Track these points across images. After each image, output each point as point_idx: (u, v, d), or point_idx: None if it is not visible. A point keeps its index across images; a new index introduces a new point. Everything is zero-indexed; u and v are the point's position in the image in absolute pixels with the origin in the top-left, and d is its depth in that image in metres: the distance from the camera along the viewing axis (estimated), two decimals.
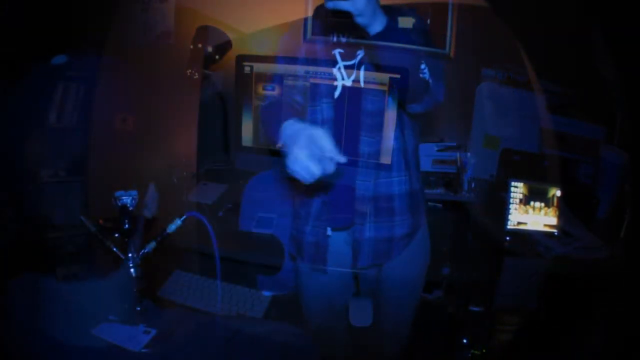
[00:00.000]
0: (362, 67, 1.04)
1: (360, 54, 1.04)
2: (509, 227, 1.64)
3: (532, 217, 1.64)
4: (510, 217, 1.64)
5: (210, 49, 2.11)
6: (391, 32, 0.90)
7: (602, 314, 1.26)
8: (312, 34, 1.12)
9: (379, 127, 1.05)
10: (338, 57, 1.05)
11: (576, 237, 1.61)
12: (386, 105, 1.04)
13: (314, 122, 1.07)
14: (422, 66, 0.96)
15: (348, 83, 1.05)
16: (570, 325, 1.34)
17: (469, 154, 1.96)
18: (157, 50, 1.93)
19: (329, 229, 1.11)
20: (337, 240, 1.13)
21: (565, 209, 1.65)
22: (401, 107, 1.05)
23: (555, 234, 1.62)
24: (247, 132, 2.43)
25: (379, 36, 0.89)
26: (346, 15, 0.86)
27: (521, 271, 1.56)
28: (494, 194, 1.84)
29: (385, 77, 1.01)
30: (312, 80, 1.08)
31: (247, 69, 2.35)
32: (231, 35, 2.14)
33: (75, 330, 0.86)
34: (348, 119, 1.05)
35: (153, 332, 0.86)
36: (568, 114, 1.84)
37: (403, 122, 1.08)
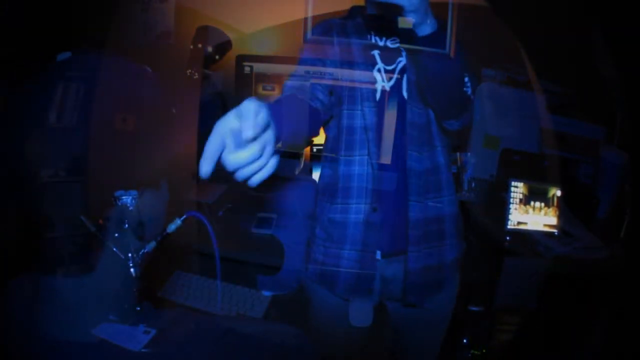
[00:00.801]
0: (405, 75, 0.94)
1: (402, 60, 0.95)
2: (509, 227, 1.64)
3: (532, 217, 1.64)
4: (510, 216, 1.64)
5: (210, 49, 2.11)
6: (439, 37, 0.81)
7: (602, 314, 1.26)
8: (341, 35, 0.98)
9: (426, 141, 0.95)
10: (378, 59, 0.95)
11: (576, 237, 1.61)
12: (430, 118, 0.96)
13: (351, 127, 0.95)
14: (466, 79, 0.88)
15: (387, 88, 0.94)
16: (570, 325, 1.35)
17: (469, 153, 1.96)
18: (157, 50, 1.93)
19: (378, 252, 0.96)
20: (385, 269, 0.98)
21: (565, 209, 1.65)
22: (440, 122, 0.96)
23: (556, 233, 1.62)
24: None
25: (427, 39, 0.80)
26: (397, 12, 0.76)
27: (521, 271, 1.56)
28: (494, 194, 1.84)
29: (428, 87, 0.91)
30: (343, 83, 0.95)
31: (247, 69, 2.36)
32: (231, 35, 2.14)
33: (75, 330, 0.86)
34: (392, 128, 0.94)
35: (153, 332, 0.86)
36: (568, 114, 1.84)
37: (443, 138, 0.98)
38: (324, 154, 1.04)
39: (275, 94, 2.08)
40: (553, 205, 1.65)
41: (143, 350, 0.82)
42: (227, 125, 0.58)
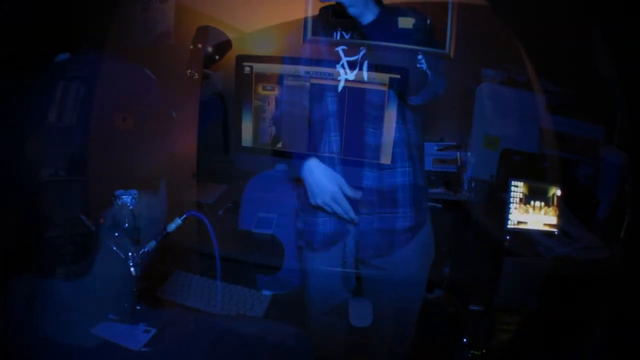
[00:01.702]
0: (365, 63, 1.07)
1: (363, 50, 1.07)
2: (509, 226, 1.64)
3: (532, 216, 1.64)
4: (510, 216, 1.64)
5: (210, 49, 2.11)
6: (383, 21, 0.94)
7: (602, 314, 1.26)
8: (313, 34, 1.14)
9: (381, 119, 1.08)
10: (341, 54, 1.09)
11: (576, 237, 1.61)
12: (387, 97, 1.08)
13: (318, 117, 1.11)
14: (419, 57, 0.99)
15: (351, 77, 1.08)
16: (570, 325, 1.34)
17: (469, 153, 1.96)
18: (157, 50, 1.93)
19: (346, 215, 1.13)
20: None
21: (565, 209, 1.65)
22: (402, 99, 1.08)
23: (556, 233, 1.62)
24: (247, 132, 2.43)
25: (372, 26, 0.95)
26: (340, 8, 0.92)
27: (521, 271, 1.56)
28: (494, 193, 1.84)
29: (385, 70, 1.05)
30: (314, 80, 1.12)
31: (247, 69, 2.36)
32: (231, 35, 2.14)
33: (75, 330, 0.86)
34: (352, 111, 1.09)
35: (153, 331, 0.86)
36: (568, 114, 1.84)
37: (405, 115, 1.10)
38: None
39: (275, 94, 2.08)
40: (553, 204, 1.65)
41: (143, 349, 0.82)
42: None
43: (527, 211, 1.65)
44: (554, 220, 1.63)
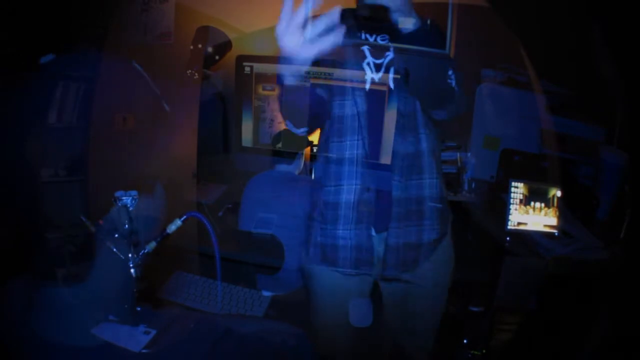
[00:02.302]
0: (392, 68, 1.02)
1: (390, 54, 1.03)
2: (509, 227, 1.64)
3: (533, 217, 1.64)
4: (510, 217, 1.64)
5: (210, 49, 2.11)
6: (422, 33, 0.90)
7: (602, 315, 1.26)
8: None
9: (411, 128, 1.04)
10: (367, 53, 1.03)
11: (576, 238, 1.61)
12: (415, 107, 1.04)
13: (342, 116, 1.05)
14: (450, 72, 0.95)
15: (377, 79, 1.03)
16: (570, 325, 1.34)
17: (469, 154, 1.96)
18: (158, 51, 1.92)
19: (372, 229, 1.05)
20: (378, 244, 1.06)
21: (565, 210, 1.65)
22: (426, 111, 1.04)
23: (556, 234, 1.62)
24: (247, 132, 2.43)
25: (411, 36, 0.90)
26: (382, 12, 0.87)
27: (521, 271, 1.56)
28: (494, 194, 1.84)
29: (414, 79, 1.00)
30: (332, 81, 1.05)
31: (247, 69, 2.35)
32: (231, 35, 2.14)
33: (75, 331, 0.85)
34: (377, 116, 1.03)
35: (153, 332, 0.86)
36: (568, 115, 1.83)
37: (430, 126, 1.06)
38: (318, 144, 1.14)
39: (275, 94, 2.08)
40: (553, 205, 1.65)
41: (143, 350, 0.82)
42: None
43: (527, 212, 1.65)
44: (554, 221, 1.63)
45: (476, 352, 1.52)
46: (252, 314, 1.28)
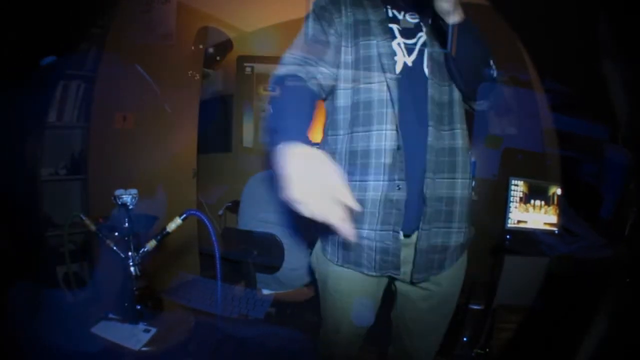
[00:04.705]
0: (425, 51, 0.91)
1: (422, 35, 0.92)
2: (509, 225, 1.63)
3: (533, 215, 1.63)
4: (510, 215, 1.63)
5: (211, 49, 2.11)
6: (466, 25, 0.84)
7: (605, 314, 1.24)
8: (353, 6, 0.95)
9: (447, 120, 0.93)
10: (396, 33, 0.91)
11: (580, 236, 1.60)
12: (454, 97, 0.94)
13: (369, 102, 0.91)
14: (491, 61, 0.90)
15: (410, 63, 0.91)
16: (573, 324, 1.33)
17: (470, 152, 1.95)
18: (159, 51, 1.93)
19: (400, 232, 0.93)
20: (405, 246, 0.96)
21: (569, 208, 1.64)
22: (468, 102, 0.95)
23: (556, 232, 1.61)
24: (247, 132, 2.43)
25: (456, 28, 0.83)
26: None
27: (523, 269, 1.55)
28: (497, 193, 1.83)
29: (452, 66, 0.90)
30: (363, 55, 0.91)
31: (248, 70, 2.35)
32: (232, 36, 2.15)
33: (76, 329, 0.85)
34: (413, 102, 0.90)
35: (153, 330, 0.86)
36: (571, 113, 1.82)
37: (464, 121, 0.96)
38: (329, 134, 0.99)
39: (275, 94, 2.07)
40: (553, 203, 1.64)
41: (143, 348, 0.82)
42: None
43: (527, 210, 1.63)
44: (554, 219, 1.62)
45: (479, 351, 1.51)
46: (253, 315, 1.27)
